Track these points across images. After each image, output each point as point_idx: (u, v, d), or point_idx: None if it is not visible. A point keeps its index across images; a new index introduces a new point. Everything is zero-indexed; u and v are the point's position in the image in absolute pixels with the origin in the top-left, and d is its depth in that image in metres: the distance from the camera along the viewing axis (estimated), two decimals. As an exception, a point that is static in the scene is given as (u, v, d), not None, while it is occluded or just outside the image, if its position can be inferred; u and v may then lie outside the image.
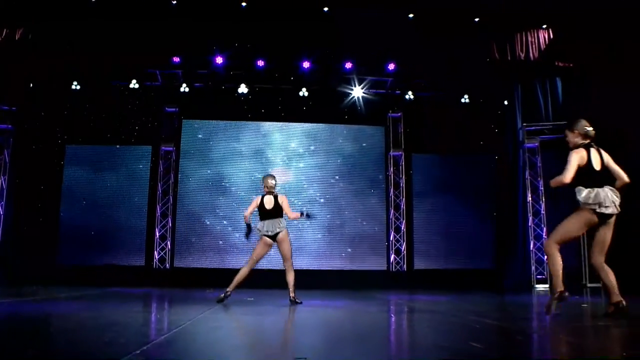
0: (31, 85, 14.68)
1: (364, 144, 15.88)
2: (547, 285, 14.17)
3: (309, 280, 14.17)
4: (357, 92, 15.38)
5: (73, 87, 14.85)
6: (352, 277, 14.71)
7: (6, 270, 13.82)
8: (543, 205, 14.64)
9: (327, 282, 14.14)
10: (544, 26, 14.44)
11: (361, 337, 4.68)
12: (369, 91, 15.49)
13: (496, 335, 4.81)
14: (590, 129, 6.35)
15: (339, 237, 15.29)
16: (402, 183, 15.69)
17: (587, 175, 6.03)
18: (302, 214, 8.61)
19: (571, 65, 14.56)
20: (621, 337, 4.49)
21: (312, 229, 15.23)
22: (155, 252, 14.98)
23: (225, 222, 15.01)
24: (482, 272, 14.84)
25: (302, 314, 6.90)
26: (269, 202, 8.42)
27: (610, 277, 5.94)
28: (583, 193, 5.95)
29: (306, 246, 15.12)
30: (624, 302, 5.75)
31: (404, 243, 15.38)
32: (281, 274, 14.49)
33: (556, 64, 14.66)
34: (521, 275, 14.36)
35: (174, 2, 13.53)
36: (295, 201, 15.30)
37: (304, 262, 14.97)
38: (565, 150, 14.44)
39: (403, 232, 15.43)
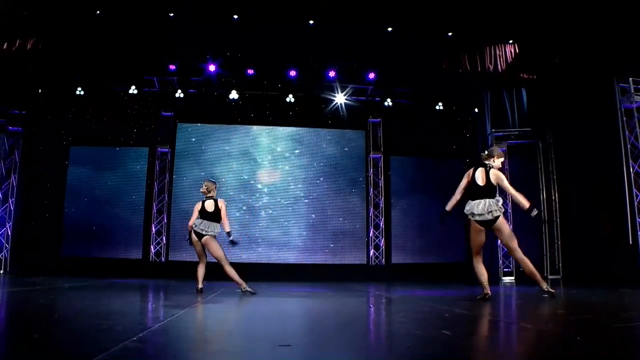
0: (39, 91, 14.62)
1: (346, 147, 15.93)
2: (513, 278, 14.28)
3: (294, 273, 14.25)
4: (340, 98, 15.43)
5: (77, 92, 14.82)
6: (334, 271, 14.76)
7: (16, 261, 13.83)
8: (509, 204, 14.71)
9: (311, 275, 14.19)
10: (510, 41, 14.57)
11: (342, 325, 4.69)
12: (350, 98, 15.55)
13: (465, 323, 4.85)
14: (484, 153, 7.11)
15: (322, 233, 15.30)
16: (381, 183, 15.76)
17: (471, 190, 6.90)
18: (229, 237, 8.25)
19: (534, 77, 14.71)
20: (576, 323, 4.55)
21: (297, 225, 15.27)
22: (152, 246, 14.95)
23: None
24: (453, 265, 14.90)
25: (287, 305, 6.91)
26: (209, 206, 8.27)
27: (529, 266, 6.88)
28: (466, 206, 6.92)
29: (292, 242, 15.16)
30: (546, 288, 6.82)
31: (383, 239, 15.45)
32: (268, 267, 14.59)
33: (521, 75, 14.79)
34: (489, 268, 14.42)
35: (171, 14, 13.51)
36: (282, 200, 15.34)
37: (290, 257, 15.02)
38: (530, 154, 14.66)
39: (382, 229, 15.50)
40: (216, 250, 8.22)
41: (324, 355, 3.21)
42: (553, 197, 14.64)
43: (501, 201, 6.77)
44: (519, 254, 6.86)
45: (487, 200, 6.71)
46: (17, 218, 14.27)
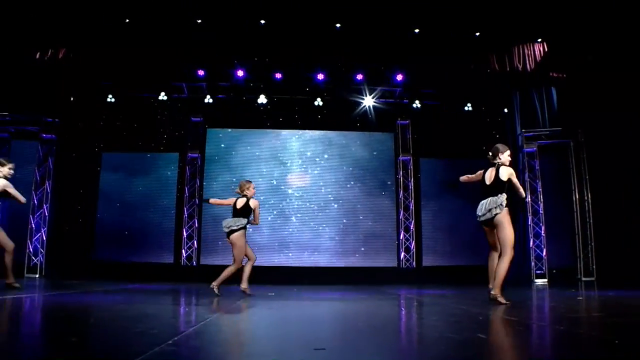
0: (72, 99, 14.90)
1: (375, 150, 15.89)
2: (546, 280, 14.09)
3: (326, 277, 14.25)
4: (368, 101, 15.41)
5: (108, 100, 15.07)
6: (365, 274, 14.68)
7: (50, 266, 14.13)
8: (541, 205, 14.56)
9: (343, 278, 14.15)
10: (539, 40, 14.44)
11: (375, 328, 4.69)
12: (378, 100, 15.52)
13: (499, 326, 4.81)
14: (489, 154, 6.94)
15: (353, 236, 15.28)
16: (411, 185, 15.67)
17: (482, 190, 6.85)
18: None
19: (564, 75, 14.55)
20: (613, 326, 4.48)
21: (328, 229, 15.27)
22: (183, 250, 15.08)
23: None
24: (485, 268, 14.70)
25: (319, 308, 6.92)
26: (240, 203, 8.60)
27: (500, 276, 6.51)
28: None
29: (323, 245, 15.17)
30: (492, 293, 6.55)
31: (413, 241, 15.36)
32: (299, 270, 14.60)
33: (551, 74, 14.64)
34: (521, 270, 14.26)
35: (199, 20, 13.66)
36: (312, 204, 15.36)
37: (321, 260, 15.03)
38: (562, 154, 14.48)
39: (412, 231, 15.41)
40: (239, 252, 8.47)
41: (358, 358, 3.21)
42: (586, 198, 14.45)
43: (504, 197, 6.57)
44: (506, 260, 6.49)
45: (490, 198, 6.63)
46: (51, 223, 14.53)
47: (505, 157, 6.85)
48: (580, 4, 12.05)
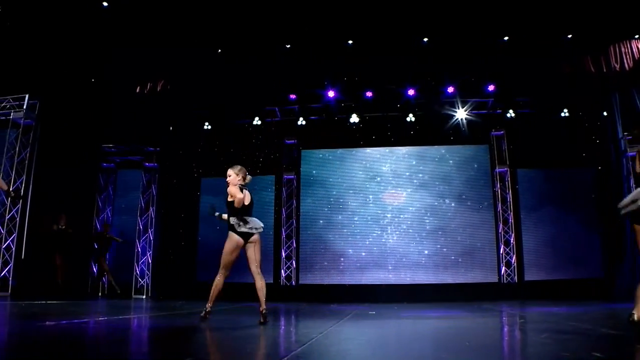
0: (171, 128, 15.56)
1: (470, 163, 15.60)
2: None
3: (425, 294, 14.07)
4: (461, 114, 15.18)
5: (205, 127, 15.65)
6: (465, 290, 14.38)
7: (156, 287, 14.85)
8: None
9: (442, 295, 13.97)
10: (637, 36, 13.79)
11: (484, 347, 4.58)
12: (471, 112, 15.24)
13: (614, 343, 4.59)
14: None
15: (451, 252, 15.01)
16: (509, 198, 15.25)
17: (635, 179, 5.41)
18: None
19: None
20: None
21: (425, 245, 15.06)
22: (282, 270, 15.31)
23: (342, 243, 15.14)
24: (591, 281, 14.04)
25: (421, 327, 6.85)
26: (247, 198, 6.86)
27: None
28: None
29: (421, 262, 14.99)
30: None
31: (514, 255, 14.90)
32: (398, 288, 14.47)
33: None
34: (630, 283, 13.52)
35: (288, 45, 13.98)
36: (406, 221, 15.23)
37: (419, 277, 14.85)
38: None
39: (512, 245, 14.95)
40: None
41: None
42: (700, 202, 13.55)
43: None
44: None
45: (639, 189, 5.07)
46: (156, 247, 15.22)
47: None
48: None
